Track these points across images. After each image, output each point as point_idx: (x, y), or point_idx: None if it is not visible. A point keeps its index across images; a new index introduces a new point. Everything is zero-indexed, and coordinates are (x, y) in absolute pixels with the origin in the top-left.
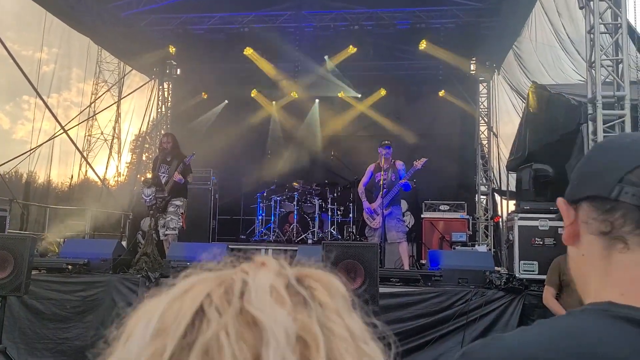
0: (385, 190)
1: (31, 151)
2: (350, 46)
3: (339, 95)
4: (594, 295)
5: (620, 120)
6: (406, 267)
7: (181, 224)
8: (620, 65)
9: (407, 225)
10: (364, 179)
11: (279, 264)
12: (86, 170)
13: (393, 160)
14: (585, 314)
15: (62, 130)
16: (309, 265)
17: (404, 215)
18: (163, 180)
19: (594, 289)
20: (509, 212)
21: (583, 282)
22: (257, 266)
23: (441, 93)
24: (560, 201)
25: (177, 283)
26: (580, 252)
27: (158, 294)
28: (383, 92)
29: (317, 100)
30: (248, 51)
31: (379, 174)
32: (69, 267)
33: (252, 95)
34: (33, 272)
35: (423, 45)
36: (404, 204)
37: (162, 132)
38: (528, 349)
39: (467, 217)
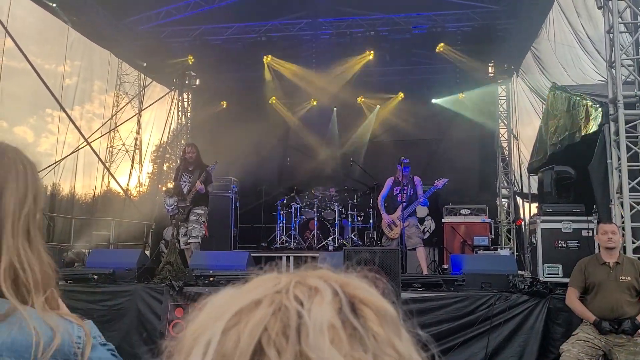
0: (404, 204)
1: (56, 163)
2: (367, 51)
3: (358, 100)
4: None
5: None
6: (424, 272)
7: (204, 232)
8: None
9: (427, 230)
10: (383, 191)
11: (330, 286)
12: (109, 181)
13: (411, 176)
14: None
15: (85, 143)
16: (347, 274)
17: (424, 221)
18: (185, 190)
19: None
20: (531, 215)
21: None
22: (311, 293)
23: (460, 96)
24: None
25: (225, 292)
26: None
27: (208, 306)
28: (401, 95)
29: (335, 107)
30: (267, 59)
31: (398, 188)
32: (95, 277)
33: (271, 103)
34: (60, 283)
35: (440, 47)
36: (424, 209)
37: (183, 141)
38: None
39: (489, 220)
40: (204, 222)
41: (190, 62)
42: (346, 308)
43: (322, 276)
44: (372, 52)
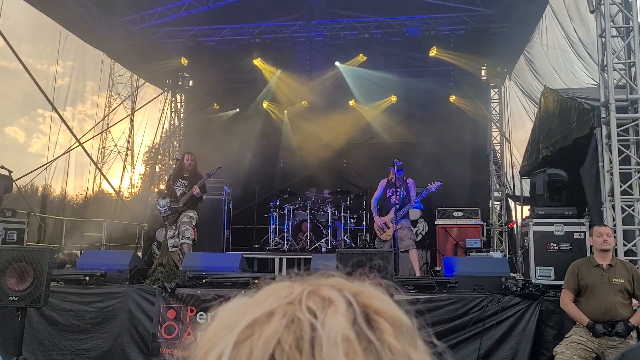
0: (397, 206)
1: (48, 164)
2: (361, 54)
3: (350, 103)
4: None
5: (634, 123)
6: (417, 274)
7: (194, 235)
8: (633, 69)
9: (420, 233)
10: (376, 193)
11: (343, 296)
12: (100, 182)
13: (405, 178)
14: None
15: (77, 143)
16: (361, 281)
17: (417, 223)
18: (178, 193)
19: None
20: (524, 217)
21: None
22: (324, 304)
23: (452, 98)
24: None
25: (235, 301)
26: None
27: (219, 316)
28: (394, 98)
29: (328, 109)
30: (257, 61)
31: (391, 190)
32: (87, 278)
33: (264, 105)
34: (51, 284)
35: (433, 51)
36: (417, 212)
37: (176, 142)
38: None
39: (481, 223)
40: (194, 225)
41: (184, 63)
42: (360, 319)
43: (335, 285)
44: (365, 55)
